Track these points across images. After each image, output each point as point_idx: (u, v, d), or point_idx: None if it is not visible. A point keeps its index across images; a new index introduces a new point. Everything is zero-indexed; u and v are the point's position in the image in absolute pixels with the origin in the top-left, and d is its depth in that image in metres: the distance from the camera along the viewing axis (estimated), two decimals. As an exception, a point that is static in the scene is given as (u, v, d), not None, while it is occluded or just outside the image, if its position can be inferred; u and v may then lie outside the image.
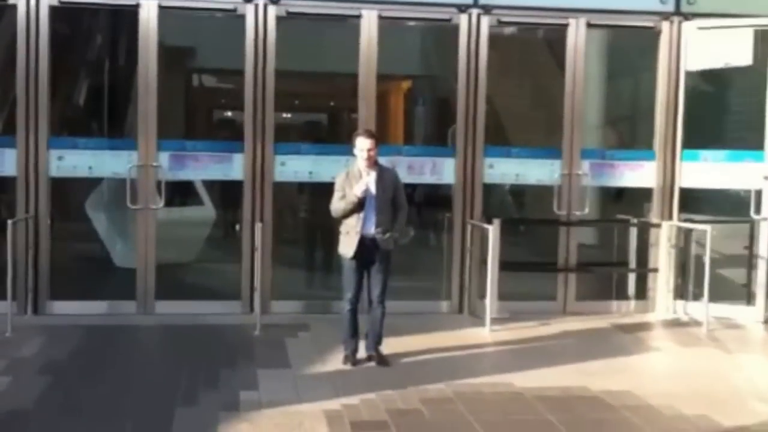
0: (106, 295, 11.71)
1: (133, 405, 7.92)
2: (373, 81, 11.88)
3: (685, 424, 7.60)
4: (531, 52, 14.54)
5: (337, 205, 9.37)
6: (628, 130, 14.37)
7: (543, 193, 12.41)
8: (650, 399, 8.22)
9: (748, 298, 12.04)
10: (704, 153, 12.22)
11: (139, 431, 7.28)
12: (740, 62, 12.40)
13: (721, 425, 7.59)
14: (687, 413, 7.83)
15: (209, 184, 13.40)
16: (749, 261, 12.05)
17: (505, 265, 11.39)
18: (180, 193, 13.33)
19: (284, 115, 15.18)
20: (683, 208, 12.25)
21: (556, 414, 7.75)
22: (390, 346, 9.64)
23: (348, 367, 9.24)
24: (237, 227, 11.83)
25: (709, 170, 12.23)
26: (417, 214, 13.77)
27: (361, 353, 9.49)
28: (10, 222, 10.56)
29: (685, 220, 12.11)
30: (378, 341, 9.53)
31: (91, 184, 12.76)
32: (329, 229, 10.60)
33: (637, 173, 12.40)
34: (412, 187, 12.92)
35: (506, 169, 12.19)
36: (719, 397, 8.39)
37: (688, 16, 12.22)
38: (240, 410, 7.74)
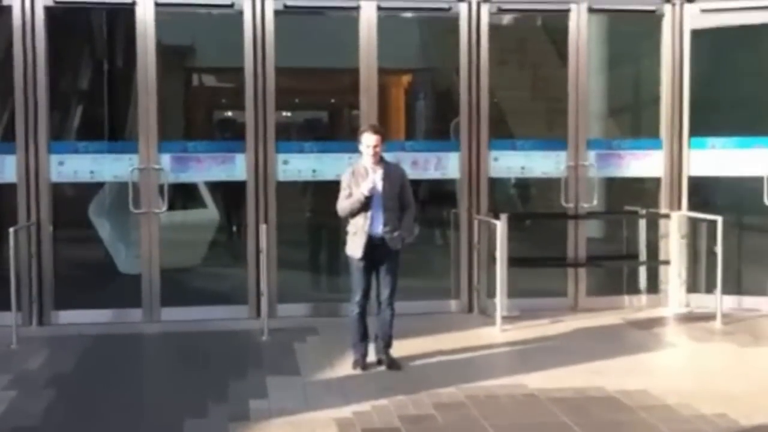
0: (111, 303, 11.59)
1: (141, 418, 7.82)
2: (374, 75, 11.75)
3: (703, 424, 7.46)
4: (532, 40, 14.42)
5: (343, 205, 9.17)
6: (634, 118, 14.22)
7: (549, 185, 12.27)
8: (667, 398, 8.09)
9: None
10: (711, 140, 12.08)
11: (149, 446, 7.20)
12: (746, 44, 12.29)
13: (740, 424, 7.46)
14: (705, 413, 7.70)
15: (212, 186, 13.26)
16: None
17: (513, 262, 11.29)
18: (183, 195, 13.22)
19: (285, 113, 15.02)
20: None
21: (572, 416, 7.62)
22: (400, 348, 9.51)
23: (358, 372, 9.11)
24: (234, 229, 11.72)
25: (717, 158, 12.09)
26: (422, 211, 13.63)
27: (371, 357, 9.35)
28: (12, 230, 10.41)
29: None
30: (388, 344, 9.37)
31: (93, 189, 12.66)
32: (335, 229, 10.49)
33: (645, 163, 12.26)
34: (416, 183, 12.80)
35: (511, 162, 12.05)
36: (737, 395, 8.25)
37: (690, -1, 12.10)
38: (250, 420, 7.64)
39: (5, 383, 8.77)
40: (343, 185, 9.21)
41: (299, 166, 11.60)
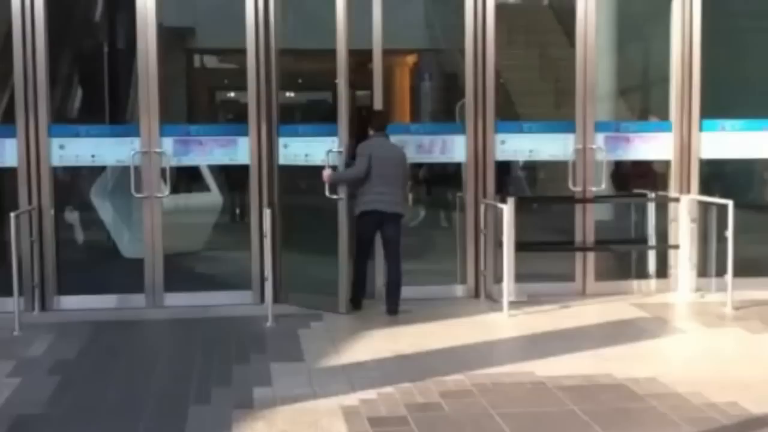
0: (114, 288, 11.53)
1: (145, 404, 7.73)
2: (379, 56, 11.61)
3: (713, 412, 7.34)
4: (540, 20, 14.31)
5: None
6: (643, 100, 14.09)
7: (556, 168, 12.16)
8: (677, 386, 7.97)
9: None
10: (722, 122, 11.94)
11: (152, 432, 7.11)
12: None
13: (750, 413, 7.34)
14: (715, 401, 7.58)
15: (215, 170, 13.19)
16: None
17: (520, 246, 11.16)
18: (186, 179, 13.15)
19: (288, 94, 14.92)
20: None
21: (580, 404, 7.52)
22: (406, 333, 9.50)
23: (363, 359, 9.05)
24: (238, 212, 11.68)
25: (728, 140, 11.95)
26: (427, 194, 13.56)
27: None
28: (12, 215, 10.31)
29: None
30: None
31: (94, 172, 12.60)
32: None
33: (654, 145, 12.08)
34: (419, 166, 12.76)
35: (519, 145, 11.86)
36: (747, 382, 8.14)
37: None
38: (254, 407, 7.54)
39: (9, 370, 8.70)
40: None
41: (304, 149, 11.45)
